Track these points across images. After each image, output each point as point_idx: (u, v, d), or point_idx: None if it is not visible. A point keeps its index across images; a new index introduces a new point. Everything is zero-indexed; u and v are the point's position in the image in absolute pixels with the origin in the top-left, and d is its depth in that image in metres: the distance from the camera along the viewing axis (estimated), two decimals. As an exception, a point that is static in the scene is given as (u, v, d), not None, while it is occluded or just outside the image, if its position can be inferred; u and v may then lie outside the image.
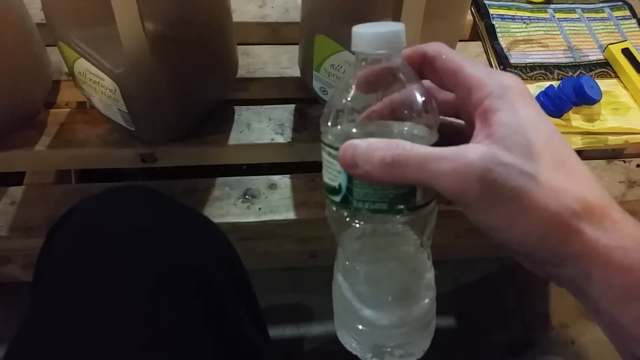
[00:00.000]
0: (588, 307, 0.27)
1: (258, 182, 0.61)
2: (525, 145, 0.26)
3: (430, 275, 0.34)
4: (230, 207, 0.58)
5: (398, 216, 0.30)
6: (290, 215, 0.58)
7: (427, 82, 0.32)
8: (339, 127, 0.31)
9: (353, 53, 0.31)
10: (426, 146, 0.27)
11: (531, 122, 0.27)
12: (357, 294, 0.34)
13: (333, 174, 0.31)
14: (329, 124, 0.31)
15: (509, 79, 0.28)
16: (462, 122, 0.33)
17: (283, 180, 0.61)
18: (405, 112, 0.30)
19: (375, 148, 0.27)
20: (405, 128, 0.30)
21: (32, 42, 0.56)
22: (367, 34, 0.29)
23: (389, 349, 0.33)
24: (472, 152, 0.26)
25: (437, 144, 0.30)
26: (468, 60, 0.29)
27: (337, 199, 0.31)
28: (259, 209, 0.58)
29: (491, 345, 0.88)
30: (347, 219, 0.32)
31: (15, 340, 0.37)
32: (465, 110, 0.30)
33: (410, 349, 0.33)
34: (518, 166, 0.25)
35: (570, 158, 0.27)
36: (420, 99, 0.30)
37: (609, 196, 0.27)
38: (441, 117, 0.32)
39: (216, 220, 0.56)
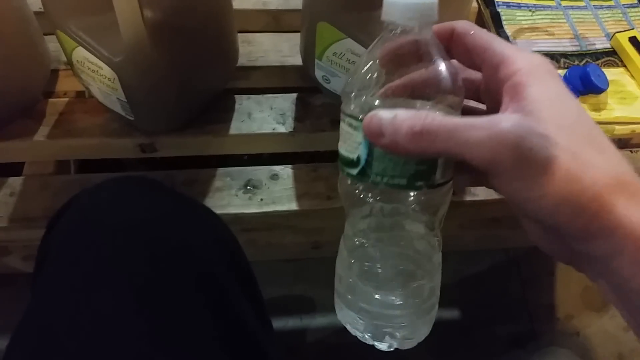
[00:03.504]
0: (612, 289, 0.26)
1: (259, 172, 0.60)
2: (558, 119, 0.26)
3: (437, 258, 0.34)
4: (231, 197, 0.58)
5: (415, 193, 0.30)
6: (293, 206, 0.58)
7: (452, 61, 0.32)
8: (362, 98, 0.30)
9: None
10: (455, 117, 0.27)
11: (562, 98, 0.27)
12: (362, 272, 0.33)
13: (352, 146, 0.30)
14: (353, 94, 0.31)
15: (538, 58, 0.28)
16: (482, 107, 0.33)
17: (285, 171, 0.60)
18: (432, 88, 0.29)
19: (403, 118, 0.27)
20: (428, 107, 0.29)
21: (30, 31, 0.55)
22: (400, 3, 0.29)
23: (389, 330, 0.32)
24: (506, 120, 0.25)
25: None
26: (497, 38, 0.30)
27: (354, 171, 0.30)
28: (261, 199, 0.58)
29: (496, 337, 0.88)
30: (361, 195, 0.31)
31: (16, 333, 0.37)
32: (492, 87, 0.30)
33: (410, 332, 0.33)
34: (552, 137, 0.25)
35: (601, 136, 0.27)
36: (448, 76, 0.30)
37: (637, 175, 0.26)
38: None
39: (217, 211, 0.55)
